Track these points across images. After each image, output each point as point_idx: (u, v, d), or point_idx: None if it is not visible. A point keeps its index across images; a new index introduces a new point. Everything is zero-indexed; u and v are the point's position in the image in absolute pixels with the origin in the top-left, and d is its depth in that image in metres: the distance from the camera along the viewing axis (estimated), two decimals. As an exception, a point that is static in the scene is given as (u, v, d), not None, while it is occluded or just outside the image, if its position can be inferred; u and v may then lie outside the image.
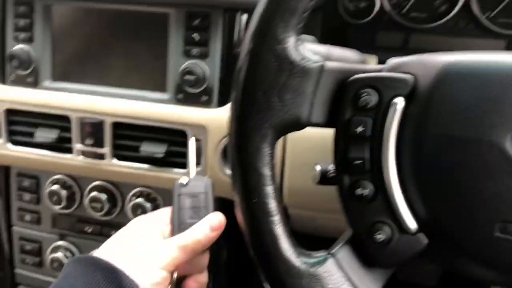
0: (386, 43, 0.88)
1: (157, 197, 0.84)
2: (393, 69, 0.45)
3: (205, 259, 0.58)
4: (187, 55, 0.76)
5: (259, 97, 0.43)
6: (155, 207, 0.84)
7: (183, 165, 0.78)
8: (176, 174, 0.78)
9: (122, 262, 0.49)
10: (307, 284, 0.44)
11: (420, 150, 0.42)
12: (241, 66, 0.44)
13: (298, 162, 0.72)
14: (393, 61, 0.46)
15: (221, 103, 0.77)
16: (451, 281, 1.30)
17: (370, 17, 0.87)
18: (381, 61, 0.79)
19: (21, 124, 0.84)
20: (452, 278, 1.30)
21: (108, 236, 0.88)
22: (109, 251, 0.52)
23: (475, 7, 0.83)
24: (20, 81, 0.83)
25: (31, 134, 0.82)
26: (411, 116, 0.43)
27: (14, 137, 0.85)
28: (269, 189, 0.44)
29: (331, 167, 0.54)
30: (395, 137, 0.43)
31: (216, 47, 0.76)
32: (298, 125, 0.45)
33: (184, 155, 0.78)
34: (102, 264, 0.48)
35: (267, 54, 0.43)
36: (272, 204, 0.44)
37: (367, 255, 0.45)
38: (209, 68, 0.76)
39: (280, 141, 0.71)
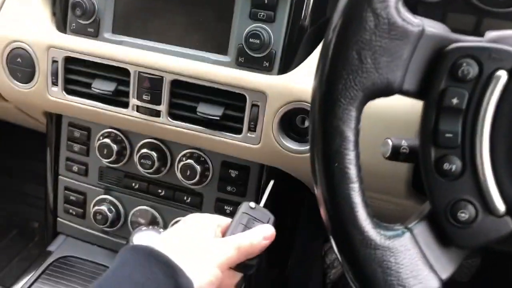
0: (456, 26, 0.84)
1: (207, 160, 0.83)
2: (494, 41, 0.43)
3: (237, 277, 0.58)
4: (254, 17, 0.74)
5: (352, 57, 0.41)
6: (204, 170, 0.83)
7: (239, 130, 0.77)
8: (229, 138, 0.77)
9: (180, 258, 0.49)
10: (381, 256, 0.42)
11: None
12: (336, 22, 0.42)
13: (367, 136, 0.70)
14: (493, 33, 0.43)
15: (282, 70, 0.75)
16: (483, 277, 1.27)
17: (443, -4, 0.83)
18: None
19: (79, 74, 0.83)
20: (484, 275, 1.28)
21: (154, 194, 0.89)
22: (167, 244, 0.53)
23: (560, -7, 0.78)
24: (81, 31, 0.82)
25: (88, 85, 0.82)
26: (512, 91, 0.40)
27: (70, 86, 0.84)
28: (352, 155, 0.42)
29: (404, 142, 0.52)
30: (493, 112, 0.41)
31: (284, 12, 0.74)
32: (388, 91, 0.43)
33: (241, 119, 0.76)
34: (160, 258, 0.48)
35: (366, 11, 0.40)
36: (353, 171, 0.42)
37: (446, 233, 0.43)
38: (274, 34, 0.74)
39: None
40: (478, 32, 0.84)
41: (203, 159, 0.83)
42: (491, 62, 0.41)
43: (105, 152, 0.86)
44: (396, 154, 0.52)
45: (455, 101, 0.41)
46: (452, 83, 0.41)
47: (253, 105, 0.75)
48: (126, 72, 0.80)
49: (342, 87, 0.42)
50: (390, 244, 0.42)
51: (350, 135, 0.42)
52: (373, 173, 0.68)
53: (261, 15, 0.74)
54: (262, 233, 0.58)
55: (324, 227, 0.45)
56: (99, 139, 0.87)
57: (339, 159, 0.42)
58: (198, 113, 0.76)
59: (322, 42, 0.44)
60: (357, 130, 0.42)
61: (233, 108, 0.77)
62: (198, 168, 0.82)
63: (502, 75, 0.40)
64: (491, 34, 0.44)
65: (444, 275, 0.43)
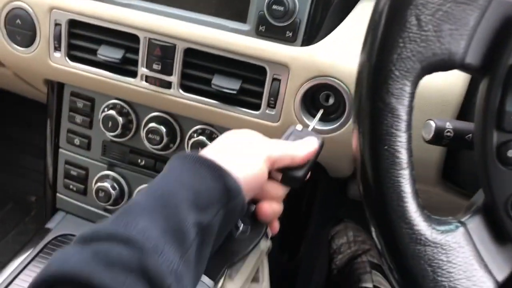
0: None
1: (220, 137, 0.77)
2: None
3: (282, 190, 0.56)
4: (279, -14, 0.68)
5: (410, 22, 0.35)
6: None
7: (257, 106, 0.71)
8: (246, 115, 0.71)
9: (226, 160, 0.50)
10: (431, 253, 0.37)
11: None
12: None
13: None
14: None
15: (306, 41, 0.69)
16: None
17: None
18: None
19: (84, 39, 0.77)
20: None
21: (161, 172, 0.83)
22: (214, 149, 0.53)
23: None
24: (86, -8, 0.75)
25: (93, 51, 0.76)
26: None
27: (74, 52, 0.78)
28: (404, 137, 0.37)
29: (448, 124, 0.47)
30: None
31: (311, -22, 0.67)
32: (449, 64, 0.37)
33: (259, 94, 0.70)
34: (208, 161, 0.49)
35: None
36: (404, 156, 0.37)
37: (504, 229, 0.38)
38: (299, 1, 0.68)
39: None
40: None
41: (215, 136, 0.77)
42: None
43: (109, 125, 0.80)
44: (439, 137, 0.47)
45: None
46: (524, 56, 0.36)
47: (273, 79, 0.69)
48: (135, 38, 0.73)
49: (398, 57, 0.36)
50: (442, 240, 0.37)
51: (403, 113, 0.36)
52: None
53: (286, -18, 0.67)
54: (309, 144, 0.57)
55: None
56: (103, 111, 0.81)
57: (389, 142, 0.36)
58: (213, 86, 0.70)
59: (374, 6, 0.38)
60: (411, 108, 0.37)
61: (251, 81, 0.71)
62: (210, 145, 0.76)
63: None
64: None
65: (500, 277, 0.38)
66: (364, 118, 0.37)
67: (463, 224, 0.38)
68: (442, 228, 0.37)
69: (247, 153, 0.52)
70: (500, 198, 0.38)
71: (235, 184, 0.48)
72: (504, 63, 0.36)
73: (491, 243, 0.39)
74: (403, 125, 0.37)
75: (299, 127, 0.60)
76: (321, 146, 0.58)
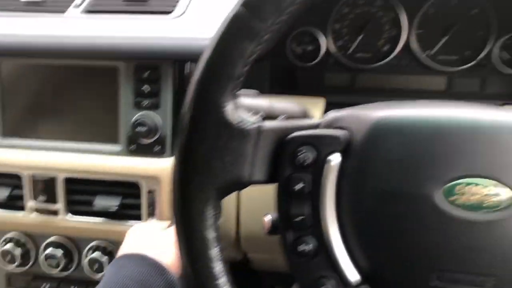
0: (334, 84, 0.91)
1: (114, 251, 0.83)
2: (330, 123, 0.47)
3: None
4: (138, 106, 0.77)
5: (200, 161, 0.44)
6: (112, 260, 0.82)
7: (138, 217, 0.78)
8: (129, 227, 0.78)
9: (158, 254, 0.60)
10: None
11: (358, 204, 0.44)
12: (182, 130, 0.45)
13: (252, 210, 0.72)
14: (330, 115, 0.48)
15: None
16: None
17: (317, 59, 0.90)
18: (329, 103, 0.82)
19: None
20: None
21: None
22: (140, 246, 0.62)
23: (415, 46, 0.87)
24: (-32, 140, 0.81)
25: (-20, 194, 0.81)
26: (348, 171, 0.44)
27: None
28: (213, 252, 0.44)
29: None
30: (334, 192, 0.44)
31: (167, 97, 0.77)
32: (240, 185, 0.45)
33: (138, 207, 0.77)
34: (149, 260, 0.59)
35: (206, 119, 0.43)
36: (217, 268, 0.44)
37: None
38: (161, 118, 0.77)
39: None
40: (354, 87, 0.91)
41: (110, 249, 0.83)
42: (324, 147, 0.45)
43: (8, 258, 0.83)
44: (275, 229, 0.55)
45: (299, 186, 0.45)
46: (295, 169, 0.45)
47: (149, 191, 0.76)
48: (18, 177, 0.79)
49: (194, 189, 0.44)
50: None
51: (208, 234, 0.44)
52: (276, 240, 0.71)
53: (145, 103, 0.77)
54: None
55: None
56: (1, 246, 0.85)
57: (202, 259, 0.44)
58: (95, 207, 0.77)
59: (175, 146, 0.46)
60: (216, 226, 0.45)
61: (130, 196, 0.78)
62: (105, 259, 0.81)
63: (335, 158, 0.44)
64: (328, 116, 0.48)
65: None
66: (180, 241, 0.45)
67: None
68: None
69: (163, 244, 0.62)
70: (308, 282, 0.46)
71: (173, 277, 0.58)
72: (282, 176, 0.45)
73: None
74: (211, 243, 0.44)
75: None
76: None
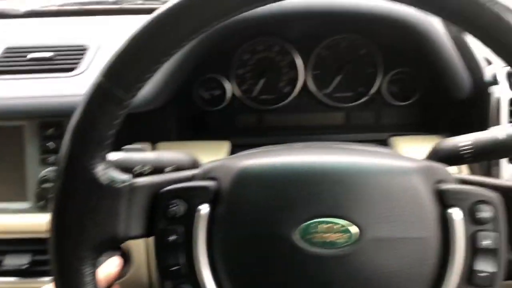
0: (243, 125, 0.96)
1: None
2: (204, 174, 0.50)
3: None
4: (44, 163, 0.78)
5: (72, 221, 0.46)
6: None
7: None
8: (42, 284, 0.78)
9: None
10: None
11: (228, 250, 0.47)
12: (54, 191, 0.47)
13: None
14: (204, 166, 0.51)
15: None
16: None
17: (224, 103, 0.94)
18: (235, 145, 0.86)
19: None
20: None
21: None
22: None
23: (312, 86, 0.93)
24: None
25: None
26: (217, 219, 0.47)
27: None
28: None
29: None
30: (205, 240, 0.47)
31: (73, 152, 0.78)
32: (116, 242, 0.48)
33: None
34: None
35: (76, 181, 0.46)
36: None
37: None
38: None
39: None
40: (261, 126, 0.96)
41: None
42: (194, 198, 0.48)
43: None
44: None
45: (172, 238, 0.48)
46: (168, 222, 0.48)
47: (58, 247, 0.77)
48: None
49: (69, 250, 0.46)
50: None
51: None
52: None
53: (51, 160, 0.78)
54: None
55: None
56: None
57: None
58: (4, 267, 0.77)
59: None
60: (94, 283, 0.47)
61: (41, 252, 0.78)
62: (19, 319, 0.80)
63: (203, 208, 0.47)
64: (203, 168, 0.51)
65: None
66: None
67: None
68: None
69: None
70: None
71: None
72: (158, 229, 0.48)
73: None
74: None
75: None
76: None
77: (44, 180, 0.77)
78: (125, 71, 0.44)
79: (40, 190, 0.77)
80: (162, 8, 0.42)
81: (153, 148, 0.83)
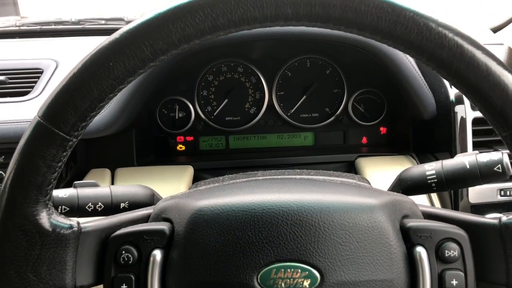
0: (209, 147, 0.93)
1: None
2: (159, 214, 0.47)
3: None
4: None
5: (13, 276, 0.42)
6: None
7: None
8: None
9: None
10: None
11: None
12: None
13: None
14: (159, 205, 0.48)
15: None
16: None
17: (189, 125, 0.91)
18: (199, 169, 0.83)
19: None
20: None
21: None
22: None
23: (277, 108, 0.91)
24: None
25: None
26: (171, 264, 0.44)
27: None
28: None
29: None
30: (159, 287, 0.44)
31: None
32: (64, 293, 0.44)
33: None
34: None
35: (15, 231, 0.42)
36: None
37: None
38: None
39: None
40: (228, 148, 0.93)
41: None
42: (146, 244, 0.45)
43: None
44: None
45: (124, 287, 0.44)
46: (119, 269, 0.45)
47: None
48: None
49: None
50: None
51: None
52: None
53: (2, 191, 0.73)
54: None
55: None
56: None
57: None
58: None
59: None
60: None
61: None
62: None
63: (157, 254, 0.44)
64: (157, 207, 0.48)
65: None
66: None
67: None
68: None
69: None
70: None
71: None
72: (107, 277, 0.45)
73: None
74: None
75: None
76: None
77: None
78: (65, 110, 0.40)
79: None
80: (100, 45, 0.39)
81: (112, 174, 0.79)
